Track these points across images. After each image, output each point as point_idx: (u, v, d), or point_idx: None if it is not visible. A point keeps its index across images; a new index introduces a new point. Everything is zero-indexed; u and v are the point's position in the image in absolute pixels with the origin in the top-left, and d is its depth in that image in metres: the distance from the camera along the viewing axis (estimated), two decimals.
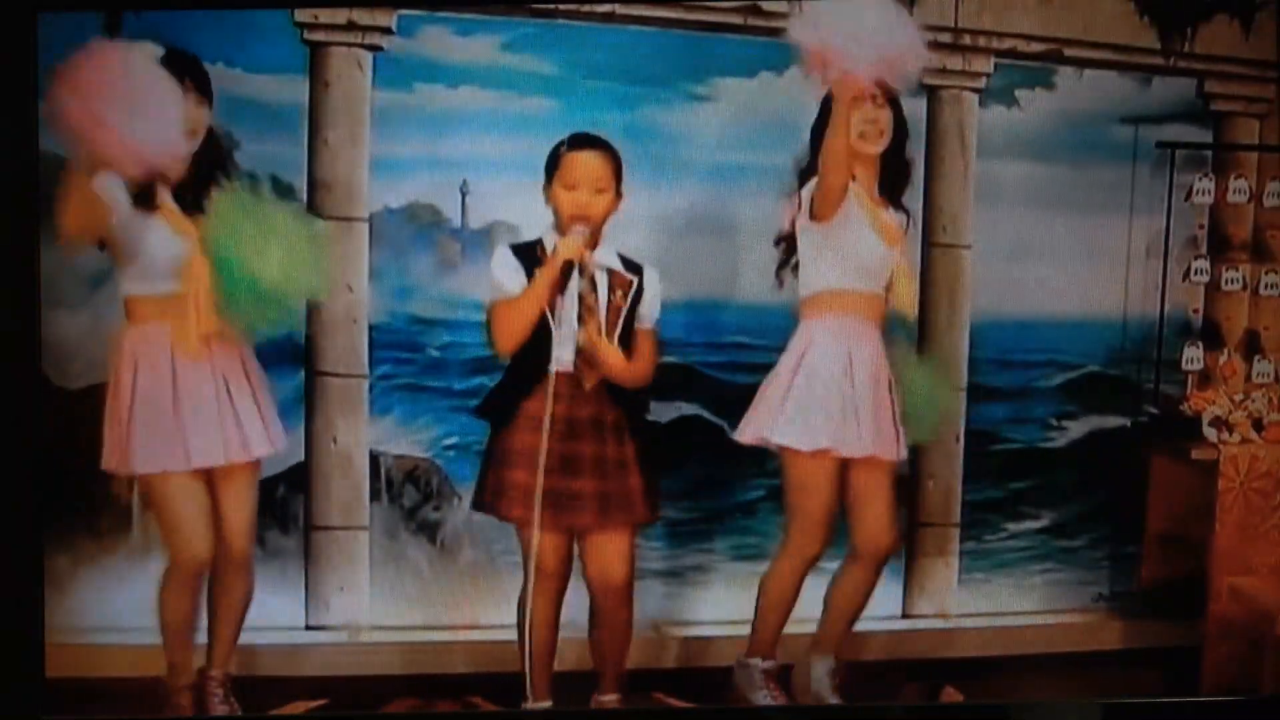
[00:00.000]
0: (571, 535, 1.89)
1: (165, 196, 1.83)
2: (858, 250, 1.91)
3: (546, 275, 1.82)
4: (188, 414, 1.84)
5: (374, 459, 2.00)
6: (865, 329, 1.92)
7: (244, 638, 1.96)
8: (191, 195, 1.83)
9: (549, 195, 1.85)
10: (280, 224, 1.83)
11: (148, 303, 1.84)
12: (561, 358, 1.84)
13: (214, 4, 1.87)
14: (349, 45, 1.93)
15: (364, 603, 2.01)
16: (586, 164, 1.83)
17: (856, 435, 1.91)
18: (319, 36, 1.92)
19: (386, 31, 1.92)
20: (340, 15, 1.91)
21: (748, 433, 1.94)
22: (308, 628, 2.01)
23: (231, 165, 1.86)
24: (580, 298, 1.83)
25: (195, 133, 1.82)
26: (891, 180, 1.94)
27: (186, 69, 1.81)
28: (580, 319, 1.83)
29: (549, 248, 1.84)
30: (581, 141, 1.85)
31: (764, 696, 1.99)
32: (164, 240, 1.82)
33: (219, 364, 1.85)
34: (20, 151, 1.84)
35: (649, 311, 1.89)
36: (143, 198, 1.81)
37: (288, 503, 2.00)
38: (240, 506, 1.90)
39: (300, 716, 1.97)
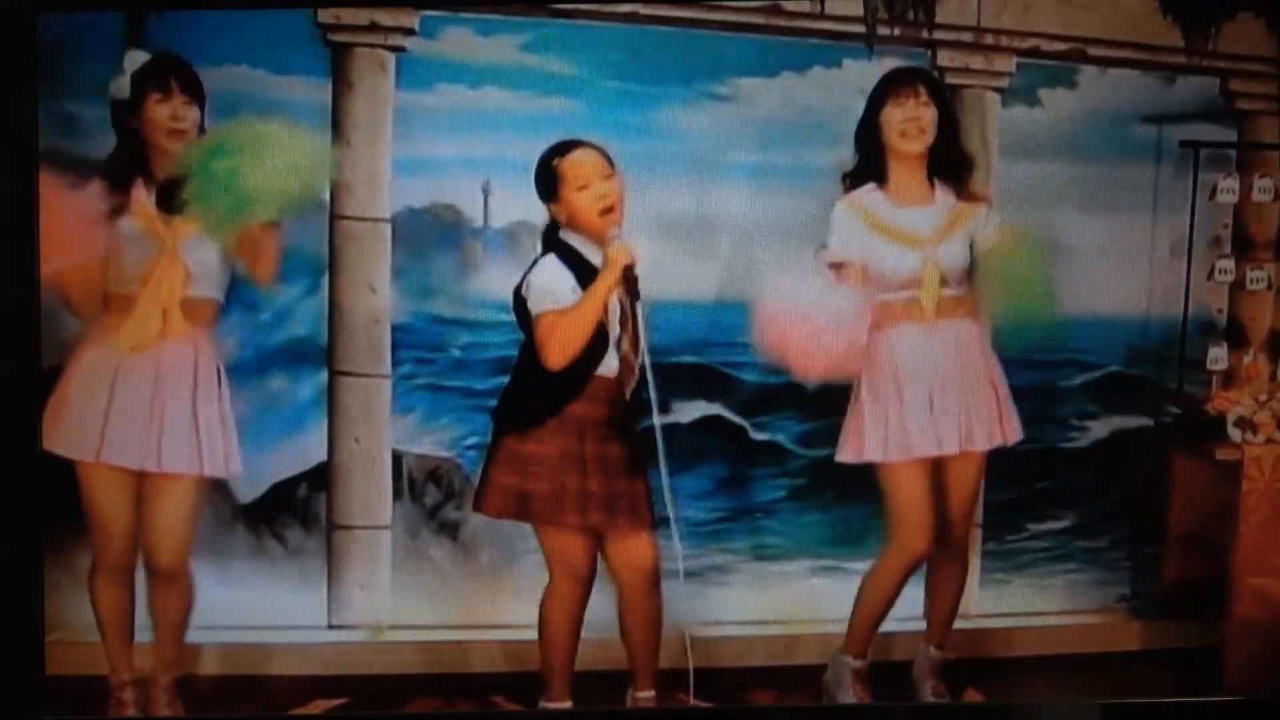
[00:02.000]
0: (597, 536, 1.90)
1: (143, 197, 1.85)
2: (887, 262, 1.93)
3: (608, 283, 1.83)
4: (116, 409, 1.86)
5: (396, 458, 2.00)
6: (921, 331, 1.93)
7: (265, 636, 1.98)
8: (173, 196, 1.84)
9: (558, 209, 1.86)
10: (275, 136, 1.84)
11: (119, 299, 1.86)
12: (607, 365, 1.86)
13: (231, 5, 1.88)
14: (371, 46, 1.93)
15: (385, 602, 2.02)
16: (587, 160, 1.85)
17: (934, 435, 1.94)
18: (341, 38, 1.93)
19: (409, 32, 1.92)
20: (363, 16, 1.92)
21: (846, 453, 1.97)
22: (329, 626, 2.02)
23: None
24: (619, 302, 1.86)
25: (183, 133, 1.84)
26: (951, 172, 1.95)
27: (173, 70, 1.83)
28: (621, 324, 1.86)
29: (583, 254, 1.85)
30: (567, 146, 1.86)
31: (847, 695, 2.00)
32: (135, 241, 1.85)
33: (168, 368, 1.86)
34: (20, 151, 1.85)
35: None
36: (119, 206, 1.85)
37: (309, 502, 2.00)
38: (168, 517, 1.90)
39: (320, 716, 1.98)
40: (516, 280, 1.89)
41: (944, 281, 1.94)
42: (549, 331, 1.84)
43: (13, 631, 1.92)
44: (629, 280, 1.84)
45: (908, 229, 1.94)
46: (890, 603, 2.00)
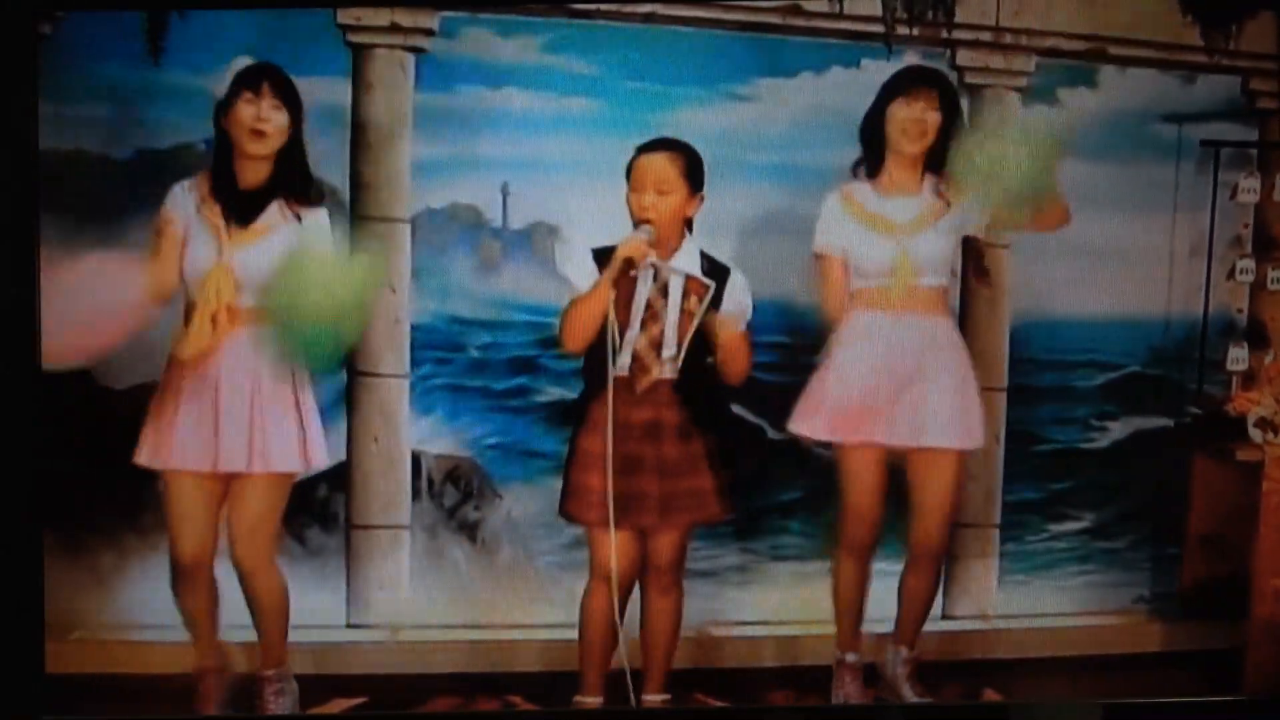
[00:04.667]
0: (641, 537, 1.92)
1: (210, 199, 1.86)
2: (861, 250, 1.93)
3: (607, 274, 1.85)
4: (183, 415, 1.87)
5: (415, 458, 2.01)
6: (888, 320, 1.93)
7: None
8: (245, 205, 1.86)
9: (628, 201, 1.88)
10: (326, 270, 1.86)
11: (190, 307, 1.87)
12: (621, 363, 1.86)
13: (252, 5, 1.88)
14: (391, 47, 1.94)
15: (404, 601, 2.02)
16: (651, 166, 1.87)
17: (886, 424, 1.94)
18: (362, 39, 1.93)
19: (429, 33, 1.93)
20: (383, 17, 1.92)
21: (800, 425, 1.98)
22: (348, 625, 2.03)
23: (305, 182, 1.89)
24: (647, 303, 1.86)
25: (265, 135, 1.85)
26: (942, 173, 1.95)
27: (267, 74, 1.85)
28: (644, 324, 1.86)
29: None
30: (652, 145, 1.88)
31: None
32: (201, 247, 1.85)
33: (227, 371, 1.87)
34: (20, 151, 1.85)
35: (732, 315, 1.90)
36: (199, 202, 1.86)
37: (329, 501, 2.01)
38: (246, 517, 1.91)
39: (339, 715, 1.98)
40: (534, 280, 1.91)
41: (916, 272, 1.93)
42: (565, 318, 1.88)
43: (13, 631, 1.93)
44: (653, 280, 1.85)
45: (887, 217, 1.93)
46: (860, 593, 2.00)
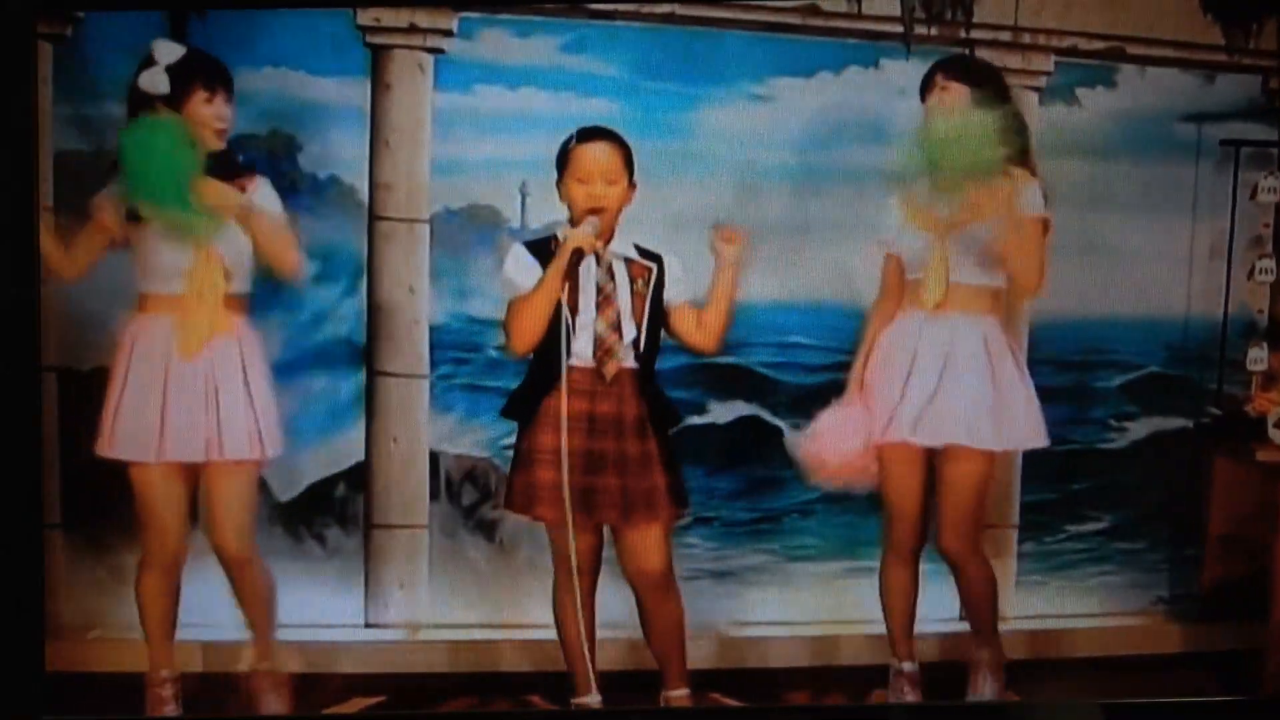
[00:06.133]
0: (601, 531, 1.91)
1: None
2: (907, 251, 1.94)
3: (557, 265, 1.84)
4: (172, 408, 1.88)
5: (434, 458, 2.01)
6: (924, 319, 1.93)
7: (303, 635, 1.99)
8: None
9: (562, 191, 1.87)
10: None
11: (158, 299, 1.88)
12: (581, 351, 1.86)
13: (271, 6, 1.89)
14: (410, 48, 1.94)
15: (422, 601, 2.03)
16: (596, 156, 1.86)
17: (929, 426, 1.93)
18: (380, 40, 1.94)
19: (447, 34, 1.93)
20: (402, 18, 1.93)
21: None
22: (367, 625, 2.03)
23: (245, 169, 1.89)
24: (598, 287, 1.86)
25: (225, 133, 1.87)
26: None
27: (215, 70, 1.86)
28: (598, 308, 1.86)
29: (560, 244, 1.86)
30: (590, 134, 1.87)
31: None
32: (170, 243, 1.86)
33: (218, 362, 1.88)
34: (20, 152, 1.86)
35: (677, 294, 1.90)
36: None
37: (348, 501, 2.01)
38: (227, 505, 1.92)
39: (358, 714, 1.99)
40: None
41: (954, 269, 1.92)
42: (510, 318, 1.87)
43: (13, 631, 1.93)
44: (596, 265, 1.85)
45: (931, 213, 1.93)
46: (909, 600, 1.99)
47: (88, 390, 1.91)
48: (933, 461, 1.96)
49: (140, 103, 1.85)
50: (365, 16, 1.93)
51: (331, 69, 1.91)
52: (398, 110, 1.94)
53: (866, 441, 1.95)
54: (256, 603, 1.96)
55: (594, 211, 1.85)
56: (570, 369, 1.85)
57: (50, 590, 1.95)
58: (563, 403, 1.85)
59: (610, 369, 1.87)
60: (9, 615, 1.93)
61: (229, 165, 1.87)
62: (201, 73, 1.86)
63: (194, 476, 1.92)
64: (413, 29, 1.93)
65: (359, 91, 1.93)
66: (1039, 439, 1.97)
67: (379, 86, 1.94)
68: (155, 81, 1.84)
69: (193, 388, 1.88)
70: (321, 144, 1.92)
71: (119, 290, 1.90)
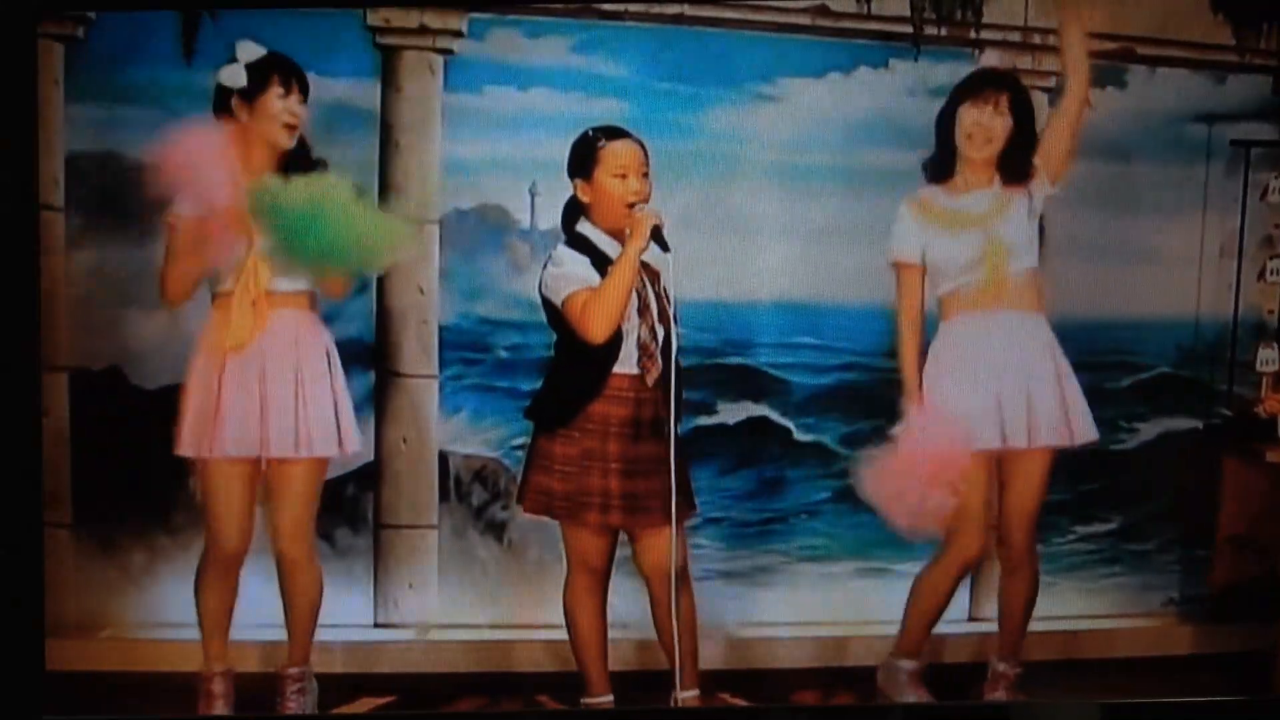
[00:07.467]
0: (617, 532, 1.92)
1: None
2: (944, 251, 1.94)
3: (635, 248, 1.82)
4: (226, 404, 1.89)
5: (443, 458, 2.01)
6: (984, 319, 1.94)
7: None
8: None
9: (585, 188, 1.86)
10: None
11: (222, 298, 1.89)
12: (627, 357, 1.86)
13: (282, 6, 1.89)
14: (420, 49, 1.94)
15: (432, 601, 2.03)
16: (630, 152, 1.86)
17: (998, 427, 1.94)
18: (391, 40, 1.94)
19: (457, 35, 1.93)
20: (412, 19, 1.93)
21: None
22: (376, 625, 2.03)
23: (316, 166, 1.90)
24: (636, 292, 1.85)
25: (295, 129, 1.88)
26: (1012, 174, 1.95)
27: (291, 68, 1.87)
28: (639, 313, 1.86)
29: (597, 244, 1.86)
30: (614, 132, 1.87)
31: (910, 697, 2.00)
32: (226, 239, 1.86)
33: (270, 357, 1.89)
34: (20, 152, 1.86)
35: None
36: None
37: (357, 501, 2.02)
38: (290, 504, 1.93)
39: (367, 714, 1.99)
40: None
41: (1010, 251, 1.93)
42: (583, 310, 1.84)
43: (13, 631, 1.93)
44: (647, 265, 1.85)
45: (965, 211, 1.94)
46: (944, 604, 2.00)
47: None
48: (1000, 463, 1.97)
49: (221, 99, 1.87)
50: (375, 17, 1.93)
51: (342, 70, 1.92)
52: (408, 111, 1.95)
53: (949, 457, 1.94)
54: (304, 605, 1.97)
55: (634, 205, 1.85)
56: (616, 375, 1.86)
57: (60, 590, 1.95)
58: (618, 410, 1.86)
59: (652, 374, 1.87)
60: (9, 615, 1.93)
61: (301, 161, 1.89)
62: (279, 69, 1.87)
63: (260, 475, 1.93)
64: (423, 30, 1.94)
65: (369, 92, 1.94)
66: (1092, 432, 1.98)
67: (389, 87, 1.95)
68: (234, 76, 1.86)
69: (247, 384, 1.89)
70: (333, 145, 1.91)
71: (131, 291, 1.91)
